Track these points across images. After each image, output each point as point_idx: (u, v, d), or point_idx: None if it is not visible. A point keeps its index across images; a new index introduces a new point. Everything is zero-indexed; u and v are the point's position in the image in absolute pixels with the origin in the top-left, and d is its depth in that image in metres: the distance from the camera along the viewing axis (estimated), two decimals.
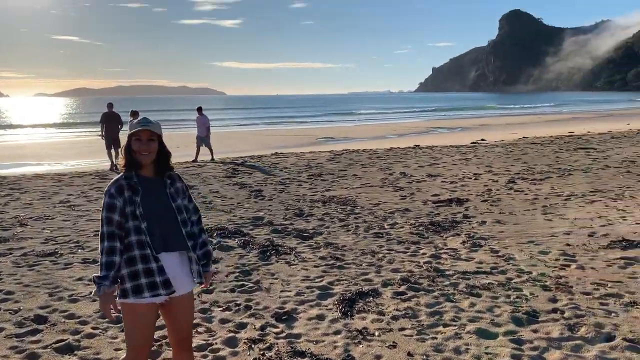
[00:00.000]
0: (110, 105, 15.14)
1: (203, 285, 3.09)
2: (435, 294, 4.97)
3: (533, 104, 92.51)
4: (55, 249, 6.64)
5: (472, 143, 20.73)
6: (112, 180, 2.87)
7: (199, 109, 17.08)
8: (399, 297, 4.92)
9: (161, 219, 2.83)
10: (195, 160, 15.98)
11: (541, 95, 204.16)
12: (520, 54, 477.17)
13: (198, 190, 10.82)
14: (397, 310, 4.62)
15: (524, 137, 22.61)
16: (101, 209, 2.81)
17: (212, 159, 16.11)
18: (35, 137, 34.99)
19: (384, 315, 4.54)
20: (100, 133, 15.15)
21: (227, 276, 5.62)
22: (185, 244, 2.90)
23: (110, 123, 14.81)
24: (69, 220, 8.24)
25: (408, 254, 6.26)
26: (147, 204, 2.80)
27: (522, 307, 4.58)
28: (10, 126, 49.12)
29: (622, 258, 5.73)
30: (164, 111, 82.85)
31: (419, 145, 19.51)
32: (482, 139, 22.62)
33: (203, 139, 16.49)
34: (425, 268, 5.70)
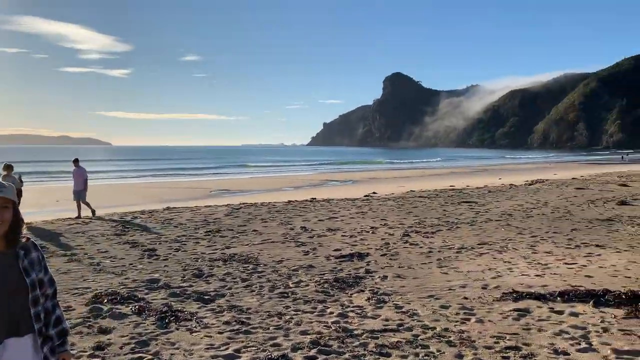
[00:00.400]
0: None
1: None
2: (346, 356, 4.88)
3: (416, 159, 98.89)
4: None
5: (365, 196, 21.46)
6: None
7: (75, 161, 16.20)
8: None
9: (10, 299, 2.43)
10: (79, 217, 14.83)
11: (422, 151, 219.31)
12: (402, 113, 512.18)
13: (84, 250, 9.96)
14: None
15: (411, 191, 23.86)
16: None
17: (93, 215, 15.06)
18: None
19: None
20: None
21: (121, 348, 5.11)
22: (32, 326, 2.52)
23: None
24: None
25: (315, 313, 6.14)
26: None
27: None
28: None
29: (515, 310, 6.07)
30: (42, 162, 77.00)
31: (315, 198, 19.78)
32: (374, 192, 23.53)
33: (79, 193, 15.48)
34: (334, 328, 5.60)
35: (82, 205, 15.39)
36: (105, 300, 6.55)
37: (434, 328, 5.57)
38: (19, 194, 14.10)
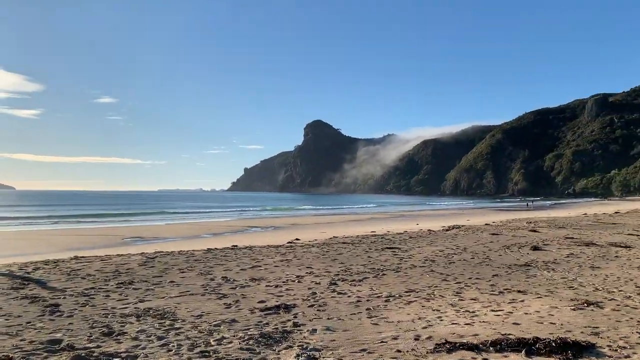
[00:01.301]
0: None
1: None
2: None
3: (336, 205, 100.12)
4: None
5: (288, 243, 21.06)
6: None
7: None
8: None
9: None
10: None
11: (342, 197, 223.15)
12: (323, 159, 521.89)
13: None
14: None
15: (334, 237, 23.78)
16: None
17: None
18: None
19: None
20: None
21: None
22: None
23: None
24: None
25: None
26: None
27: None
28: None
29: None
30: None
31: (237, 246, 19.09)
32: (297, 239, 23.19)
33: None
34: None
35: None
36: None
37: None
38: None
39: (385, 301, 9.25)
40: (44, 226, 38.80)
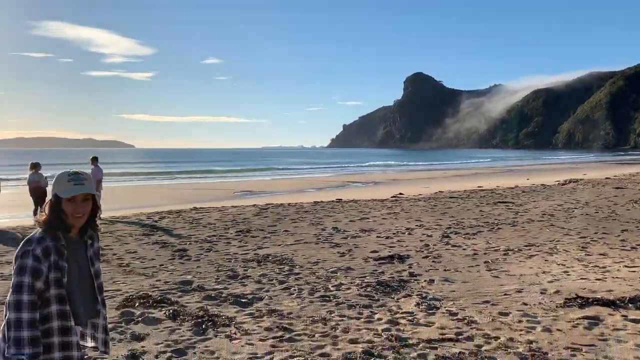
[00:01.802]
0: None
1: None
2: None
3: (438, 161, 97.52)
4: None
5: (392, 197, 20.90)
6: (31, 239, 2.40)
7: (93, 160, 15.17)
8: None
9: (82, 286, 2.54)
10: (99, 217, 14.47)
11: (444, 152, 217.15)
12: (423, 114, 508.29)
13: (112, 250, 9.64)
14: None
15: (439, 191, 23.22)
16: (16, 272, 2.35)
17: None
18: None
19: None
20: None
21: (157, 357, 4.70)
22: (99, 313, 2.67)
23: None
24: None
25: (362, 320, 5.66)
26: (70, 269, 2.47)
27: None
28: None
29: (584, 318, 5.51)
30: (67, 165, 77.94)
31: (341, 199, 19.29)
32: (401, 193, 22.95)
33: None
34: (385, 337, 5.12)
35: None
36: (137, 304, 6.17)
37: (497, 338, 5.04)
38: (45, 193, 13.97)
39: (504, 254, 8.88)
40: (163, 181, 41.82)
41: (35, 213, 13.96)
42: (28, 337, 2.29)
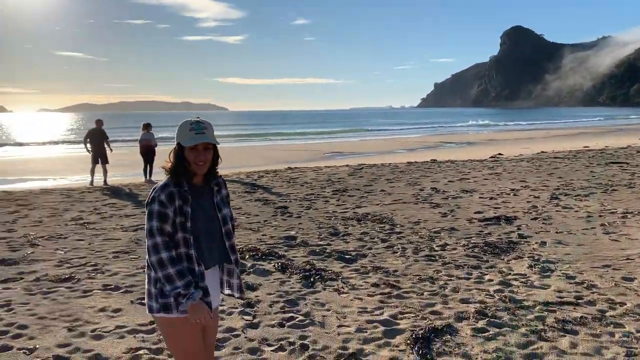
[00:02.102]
0: (98, 122, 14.40)
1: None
2: (523, 330, 4.23)
3: (537, 120, 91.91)
4: (72, 273, 5.91)
5: (491, 157, 20.06)
6: (158, 187, 2.57)
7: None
8: (480, 334, 4.18)
9: (208, 231, 2.62)
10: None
11: (544, 111, 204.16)
12: (521, 70, 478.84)
13: None
14: (484, 352, 3.88)
15: (542, 152, 21.95)
16: (147, 218, 2.51)
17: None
18: (40, 153, 34.38)
19: (470, 358, 3.80)
20: (86, 149, 14.40)
21: (270, 306, 4.89)
22: (229, 257, 2.76)
23: (95, 139, 14.14)
24: (83, 240, 7.51)
25: (472, 280, 5.52)
26: (195, 214, 2.56)
27: (635, 348, 3.84)
28: (15, 142, 48.62)
29: None
30: (167, 127, 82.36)
31: (436, 160, 18.80)
32: (500, 154, 21.96)
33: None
34: (498, 298, 4.95)
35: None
36: (247, 256, 6.43)
37: (623, 304, 4.71)
38: (154, 152, 14.86)
39: (622, 217, 8.24)
40: (256, 142, 43.11)
41: (145, 171, 14.91)
42: (175, 272, 2.46)
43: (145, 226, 2.51)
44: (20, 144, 44.71)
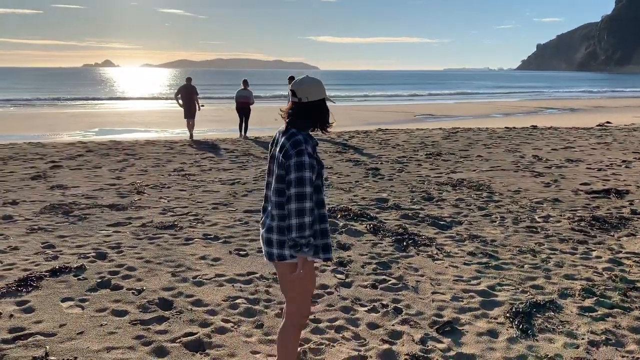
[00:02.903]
0: (188, 79, 14.93)
1: None
2: (636, 313, 3.90)
3: None
4: (175, 221, 6.24)
5: (598, 125, 18.57)
6: (301, 139, 2.57)
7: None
8: (587, 314, 3.91)
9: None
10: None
11: None
12: (638, 31, 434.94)
13: None
14: (592, 333, 3.62)
15: None
16: (296, 168, 2.52)
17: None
18: (143, 106, 36.50)
19: (576, 338, 3.56)
20: (178, 104, 14.99)
21: (362, 267, 4.87)
22: None
23: (186, 95, 14.68)
24: (184, 190, 7.90)
25: (578, 256, 5.16)
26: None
27: None
28: (122, 95, 52.01)
29: None
30: (259, 85, 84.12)
31: (536, 126, 17.70)
32: (608, 122, 20.27)
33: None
34: (608, 276, 4.60)
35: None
36: (339, 216, 6.44)
37: None
38: (250, 109, 15.27)
39: None
40: (345, 102, 42.90)
41: (240, 127, 15.34)
42: (309, 222, 2.56)
43: (295, 175, 2.50)
44: (127, 98, 47.74)
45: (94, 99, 44.74)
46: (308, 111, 2.65)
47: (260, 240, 2.79)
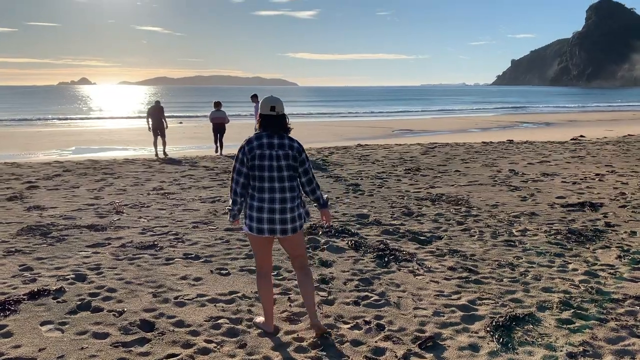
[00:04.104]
0: (157, 102, 15.76)
1: None
2: (612, 325, 3.99)
3: (623, 102, 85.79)
4: (155, 241, 6.19)
5: (572, 139, 19.03)
6: (294, 141, 3.68)
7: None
8: (565, 326, 3.99)
9: None
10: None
11: (630, 91, 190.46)
12: (607, 48, 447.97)
13: None
14: (570, 345, 3.70)
15: (629, 135, 20.59)
16: (308, 157, 3.74)
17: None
18: (121, 124, 36.18)
19: (555, 350, 3.63)
20: (147, 125, 15.46)
21: (345, 284, 4.89)
22: None
23: (154, 116, 15.27)
24: (164, 210, 7.85)
25: (555, 268, 5.27)
26: None
27: None
28: (99, 113, 51.43)
29: None
30: (238, 102, 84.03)
31: (512, 141, 18.06)
32: (582, 136, 20.78)
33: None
34: (584, 289, 4.71)
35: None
36: (320, 232, 6.47)
37: None
38: (225, 129, 15.37)
39: None
40: (324, 118, 43.17)
41: (215, 143, 15.38)
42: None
43: (308, 162, 3.71)
44: (103, 116, 47.25)
45: (68, 118, 44.14)
46: (284, 119, 3.64)
47: (274, 223, 3.55)
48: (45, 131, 27.86)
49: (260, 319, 4.03)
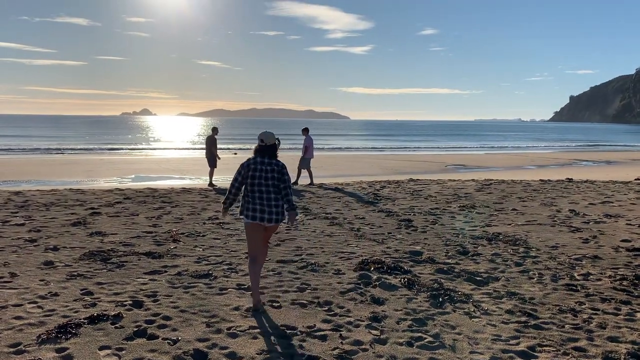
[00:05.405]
0: (214, 130, 15.86)
1: None
2: None
3: None
4: (209, 270, 6.30)
5: (637, 179, 18.14)
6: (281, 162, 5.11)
7: (305, 130, 15.74)
8: None
9: None
10: (311, 183, 15.50)
11: None
12: None
13: (343, 215, 10.21)
14: None
15: None
16: (287, 174, 5.13)
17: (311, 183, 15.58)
18: (179, 153, 37.45)
19: None
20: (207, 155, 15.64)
21: (398, 323, 4.79)
22: None
23: (209, 145, 15.51)
24: (219, 239, 8.00)
25: (621, 317, 4.98)
26: None
27: None
28: (158, 142, 53.53)
29: None
30: (290, 135, 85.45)
31: (571, 179, 17.41)
32: None
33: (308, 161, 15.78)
34: None
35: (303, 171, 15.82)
36: (372, 268, 6.40)
37: None
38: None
39: None
40: (375, 152, 43.13)
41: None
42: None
43: (287, 177, 5.05)
44: (162, 146, 49.12)
45: (129, 147, 46.16)
46: (273, 147, 5.13)
47: (264, 214, 4.93)
48: (107, 159, 29.19)
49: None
